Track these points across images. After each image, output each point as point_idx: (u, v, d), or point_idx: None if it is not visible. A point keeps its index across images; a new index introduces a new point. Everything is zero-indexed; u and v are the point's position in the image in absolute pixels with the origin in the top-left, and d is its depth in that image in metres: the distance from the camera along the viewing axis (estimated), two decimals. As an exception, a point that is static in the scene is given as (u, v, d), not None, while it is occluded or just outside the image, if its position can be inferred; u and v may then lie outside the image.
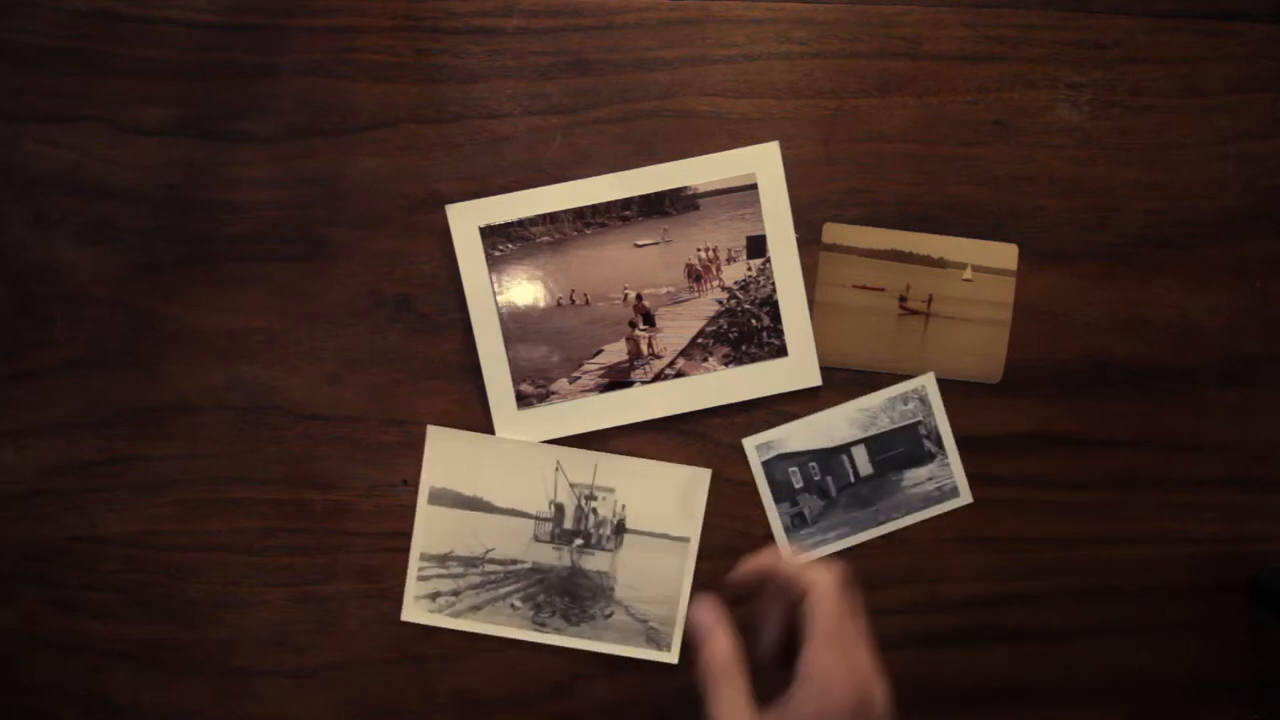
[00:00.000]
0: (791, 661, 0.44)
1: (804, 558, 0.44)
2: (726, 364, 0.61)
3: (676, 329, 0.61)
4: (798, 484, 0.62)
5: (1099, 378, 0.62)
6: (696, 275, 0.61)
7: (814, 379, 0.61)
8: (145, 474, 0.61)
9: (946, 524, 0.63)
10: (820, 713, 0.42)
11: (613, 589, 0.62)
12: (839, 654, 0.43)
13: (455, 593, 0.61)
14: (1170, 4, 0.61)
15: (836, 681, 0.42)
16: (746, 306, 0.61)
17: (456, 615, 0.61)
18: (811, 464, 0.62)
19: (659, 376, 0.61)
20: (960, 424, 0.62)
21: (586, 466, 0.62)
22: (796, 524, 0.62)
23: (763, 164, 0.61)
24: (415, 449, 0.61)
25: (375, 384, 0.61)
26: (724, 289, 0.61)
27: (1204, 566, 0.63)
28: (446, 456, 0.61)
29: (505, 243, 0.61)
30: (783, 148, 0.61)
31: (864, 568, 0.62)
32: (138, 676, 0.62)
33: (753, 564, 0.48)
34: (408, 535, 0.61)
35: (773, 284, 0.61)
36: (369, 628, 0.62)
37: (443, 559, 0.61)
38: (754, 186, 0.61)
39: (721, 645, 0.45)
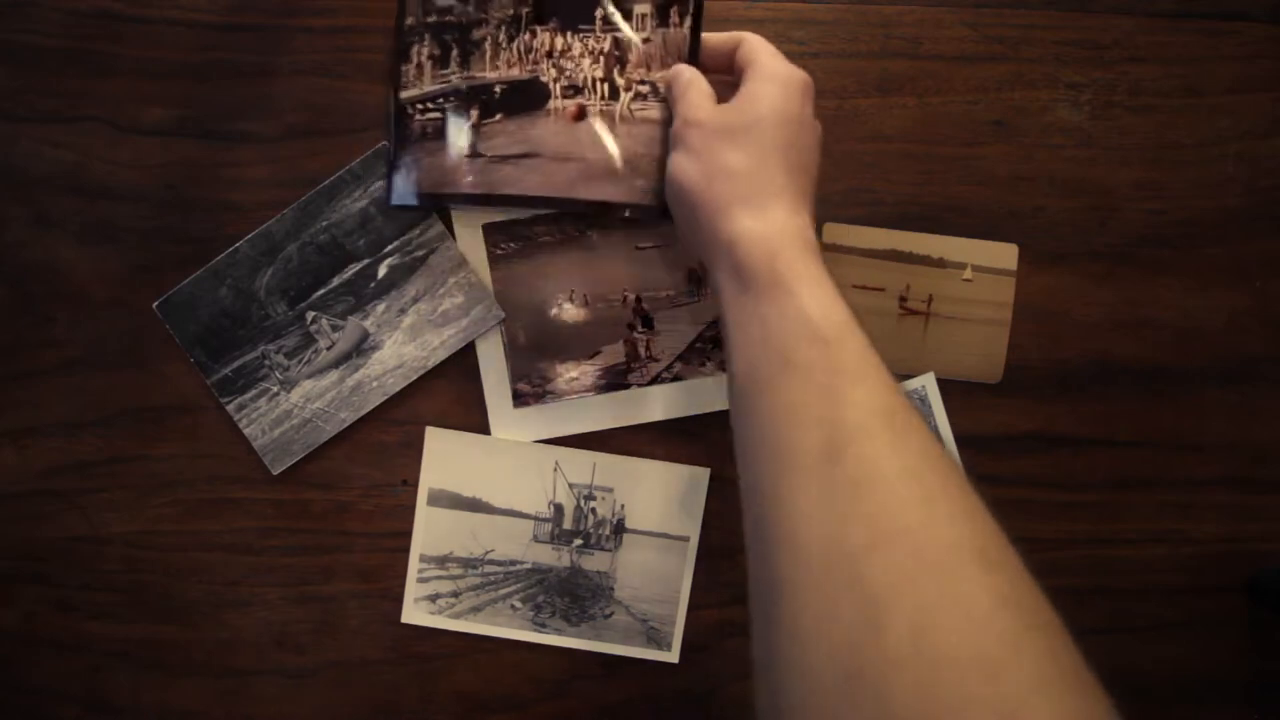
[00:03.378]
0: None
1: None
2: (724, 369, 0.61)
3: (675, 333, 0.61)
4: (798, 484, 0.62)
5: (1099, 378, 0.62)
6: (697, 279, 0.61)
7: (813, 381, 0.61)
8: (145, 474, 0.61)
9: (946, 524, 0.62)
10: (777, 92, 0.48)
11: (612, 589, 0.62)
12: (778, 59, 0.50)
13: (455, 594, 0.61)
14: (1170, 4, 0.61)
15: (782, 71, 0.49)
16: (746, 307, 0.61)
17: (456, 617, 0.61)
18: (811, 464, 0.62)
19: (656, 380, 0.61)
20: (960, 424, 0.62)
21: (585, 466, 0.62)
22: (796, 524, 0.62)
23: None
24: (415, 449, 0.61)
25: (375, 384, 0.61)
26: (724, 290, 0.61)
27: (1204, 566, 0.63)
28: (445, 458, 0.61)
29: (507, 241, 0.61)
30: (783, 148, 0.61)
31: (864, 568, 0.62)
32: (138, 676, 0.62)
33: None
34: (407, 535, 0.61)
35: (773, 286, 0.61)
36: (369, 628, 0.62)
37: (442, 560, 0.61)
38: (754, 187, 0.61)
39: (687, 69, 0.52)
